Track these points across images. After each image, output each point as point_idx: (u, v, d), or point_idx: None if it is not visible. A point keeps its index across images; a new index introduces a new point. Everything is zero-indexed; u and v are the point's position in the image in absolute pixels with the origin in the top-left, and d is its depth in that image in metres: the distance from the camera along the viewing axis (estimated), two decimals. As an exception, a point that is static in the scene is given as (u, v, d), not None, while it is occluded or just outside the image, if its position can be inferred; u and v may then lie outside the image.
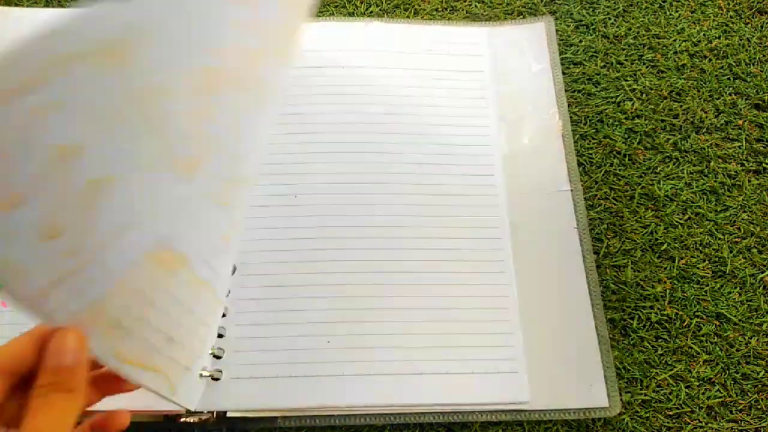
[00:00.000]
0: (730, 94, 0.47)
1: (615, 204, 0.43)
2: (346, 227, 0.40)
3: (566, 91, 0.46)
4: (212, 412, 0.34)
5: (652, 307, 0.40)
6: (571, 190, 0.42)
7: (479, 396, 0.36)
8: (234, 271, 0.38)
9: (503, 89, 0.45)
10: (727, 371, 0.39)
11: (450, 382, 0.37)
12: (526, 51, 0.47)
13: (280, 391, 0.36)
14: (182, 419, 0.34)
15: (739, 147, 0.45)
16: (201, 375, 0.35)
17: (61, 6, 0.51)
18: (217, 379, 0.35)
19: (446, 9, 0.49)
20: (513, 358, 0.37)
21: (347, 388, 0.36)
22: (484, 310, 0.39)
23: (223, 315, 0.37)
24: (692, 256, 0.41)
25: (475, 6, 0.49)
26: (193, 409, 0.34)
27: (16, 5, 0.51)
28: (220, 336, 0.37)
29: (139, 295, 0.26)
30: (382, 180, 0.41)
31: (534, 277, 0.40)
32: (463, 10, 0.49)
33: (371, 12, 0.49)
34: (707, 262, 0.41)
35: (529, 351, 0.38)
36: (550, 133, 0.44)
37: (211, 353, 0.36)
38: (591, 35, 0.49)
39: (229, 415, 0.35)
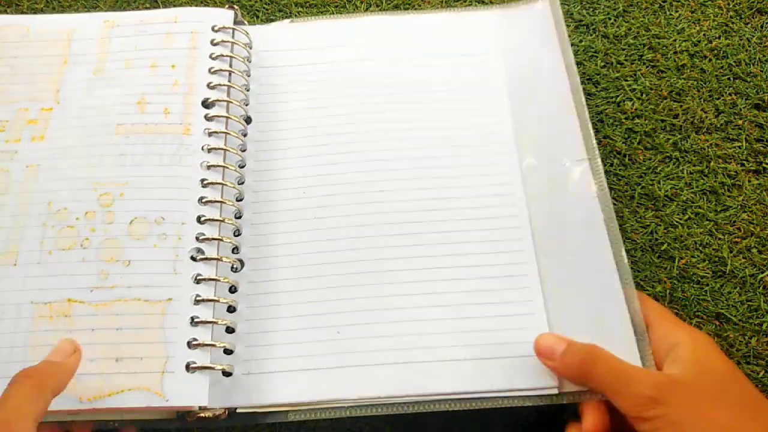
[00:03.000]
0: (730, 94, 0.47)
1: (615, 204, 0.43)
2: (355, 217, 0.40)
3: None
4: (225, 409, 0.35)
5: (652, 306, 0.41)
6: (589, 159, 0.41)
7: (503, 383, 0.35)
8: (243, 267, 0.39)
9: (513, 69, 0.44)
10: (727, 370, 0.39)
11: (469, 369, 0.35)
12: (532, 33, 0.46)
13: (292, 385, 0.35)
14: (197, 416, 0.34)
15: (739, 147, 0.45)
16: (190, 368, 0.35)
17: (62, 7, 0.51)
18: (228, 374, 0.35)
19: (446, 9, 0.49)
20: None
21: (359, 380, 0.35)
22: (504, 291, 0.37)
23: (233, 310, 0.38)
24: (692, 256, 0.42)
25: (475, 6, 0.50)
26: (201, 406, 0.34)
27: (17, 6, 0.51)
28: (231, 331, 0.37)
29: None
30: (392, 167, 0.41)
31: (554, 252, 0.38)
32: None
33: (371, 12, 0.49)
34: (707, 262, 0.42)
35: (555, 331, 0.36)
36: (563, 106, 0.42)
37: (222, 347, 0.36)
38: (591, 35, 0.49)
39: (239, 411, 0.35)
